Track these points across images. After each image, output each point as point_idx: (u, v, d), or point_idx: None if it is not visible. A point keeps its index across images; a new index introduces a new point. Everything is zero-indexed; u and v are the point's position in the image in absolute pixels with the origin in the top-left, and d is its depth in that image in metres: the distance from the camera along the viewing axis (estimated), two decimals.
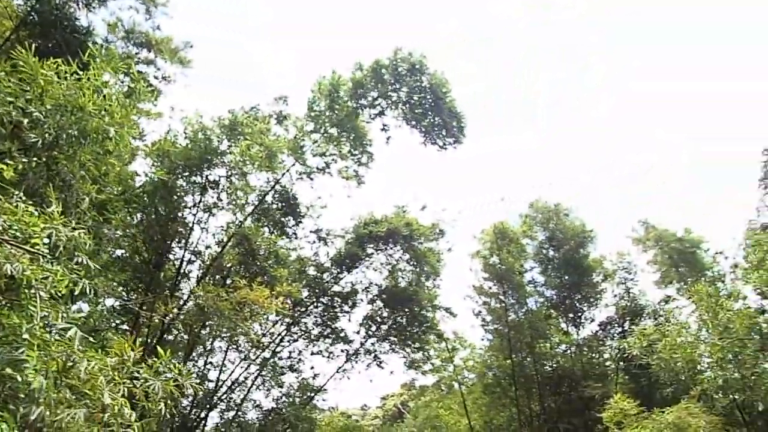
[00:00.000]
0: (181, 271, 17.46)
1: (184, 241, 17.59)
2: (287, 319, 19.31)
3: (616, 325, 26.21)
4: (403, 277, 21.03)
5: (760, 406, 19.03)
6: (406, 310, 21.15)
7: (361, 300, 21.23)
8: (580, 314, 26.77)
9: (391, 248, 20.60)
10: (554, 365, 25.70)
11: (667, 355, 19.10)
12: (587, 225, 26.77)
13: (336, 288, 20.42)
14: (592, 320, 26.97)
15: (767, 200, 15.47)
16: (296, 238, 19.84)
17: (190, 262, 17.87)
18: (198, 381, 16.26)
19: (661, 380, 22.68)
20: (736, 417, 20.50)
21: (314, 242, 20.22)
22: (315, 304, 20.26)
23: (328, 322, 20.45)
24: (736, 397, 20.16)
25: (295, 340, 20.48)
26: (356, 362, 20.87)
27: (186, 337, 17.53)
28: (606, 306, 26.85)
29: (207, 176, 16.92)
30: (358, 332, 20.95)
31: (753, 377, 19.55)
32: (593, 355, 26.50)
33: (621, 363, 25.58)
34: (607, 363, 26.69)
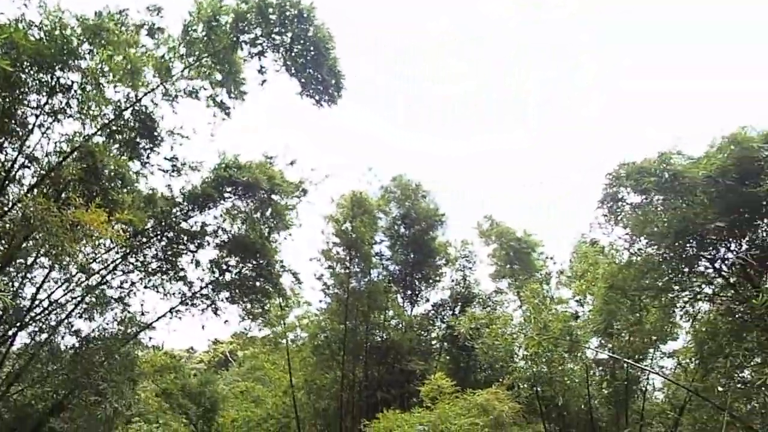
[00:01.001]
0: (11, 174, 15.49)
1: (19, 142, 15.60)
2: (124, 248, 17.92)
3: (448, 308, 27.69)
4: (255, 229, 20.34)
5: (560, 401, 21.12)
6: (253, 262, 20.54)
7: (209, 243, 20.24)
8: (417, 292, 27.96)
9: (249, 197, 19.79)
10: (385, 337, 26.59)
11: (491, 341, 20.39)
12: (440, 209, 27.85)
13: (184, 225, 19.22)
14: (428, 300, 28.29)
15: (600, 219, 16.85)
16: (149, 164, 18.33)
17: (23, 166, 15.88)
18: (10, 296, 14.66)
19: (480, 364, 24.43)
20: (536, 407, 22.55)
21: (169, 172, 18.81)
22: (159, 237, 18.96)
23: (170, 259, 19.25)
24: (539, 389, 22.23)
25: (131, 271, 19.08)
26: (192, 305, 19.92)
27: (4, 246, 15.64)
28: (442, 289, 28.28)
29: (58, 78, 15.05)
30: (200, 278, 19.97)
31: (557, 374, 21.67)
32: (422, 332, 27.79)
33: (446, 343, 27.11)
34: (433, 342, 28.18)
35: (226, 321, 20.82)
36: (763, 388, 12.57)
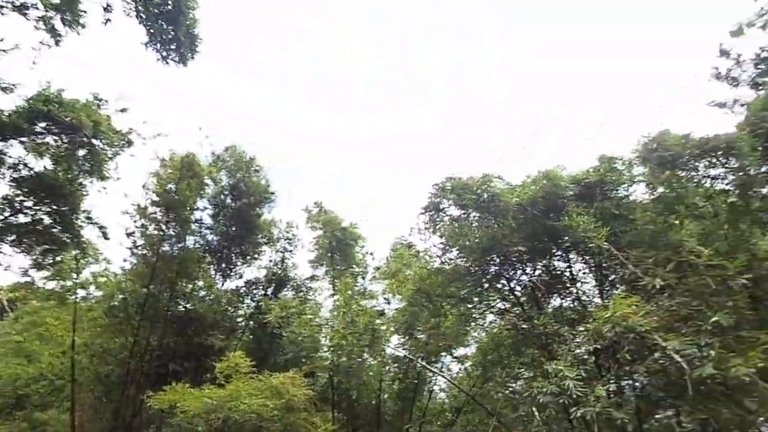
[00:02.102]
0: None
1: None
2: None
3: (261, 287, 27.39)
4: (64, 171, 18.59)
5: (354, 393, 21.85)
6: (54, 207, 18.75)
7: (3, 176, 18.14)
8: (232, 267, 27.30)
9: (66, 136, 18.05)
10: (189, 307, 25.59)
11: (298, 330, 20.51)
12: (272, 187, 27.47)
13: None
14: (241, 276, 27.75)
15: (421, 225, 17.77)
16: None
17: None
18: None
19: (284, 348, 24.48)
20: (329, 395, 23.12)
21: None
22: None
23: None
24: (336, 379, 22.84)
25: None
26: None
27: None
28: (259, 267, 27.90)
29: None
30: None
31: (355, 366, 22.39)
32: (230, 308, 27.17)
33: (252, 322, 26.81)
34: (240, 319, 27.70)
35: (7, 267, 18.82)
36: (529, 399, 14.02)
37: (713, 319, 13.16)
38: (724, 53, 17.17)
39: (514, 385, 17.35)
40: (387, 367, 23.68)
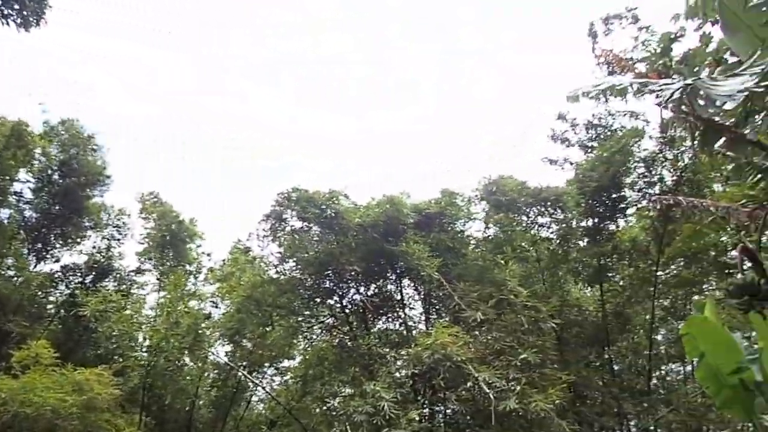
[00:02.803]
0: None
1: None
2: None
3: (79, 274, 25.20)
4: None
5: (168, 398, 20.67)
6: None
7: None
8: (49, 249, 24.88)
9: None
10: None
11: (115, 325, 19.14)
12: (108, 170, 25.50)
13: None
14: (58, 260, 25.34)
15: (261, 231, 17.43)
16: None
17: None
18: None
19: (97, 342, 22.60)
20: (139, 396, 21.67)
21: None
22: None
23: None
24: (150, 380, 21.47)
25: None
26: None
27: None
28: (80, 252, 25.68)
29: None
30: None
31: (172, 369, 21.26)
32: (40, 293, 24.72)
33: (63, 311, 24.55)
34: (50, 306, 25.27)
35: None
36: (344, 417, 14.11)
37: (522, 356, 14.12)
38: (561, 117, 18.82)
39: (332, 401, 17.37)
40: (207, 373, 22.73)
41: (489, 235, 18.48)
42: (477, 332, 15.56)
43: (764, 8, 6.68)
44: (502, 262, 16.18)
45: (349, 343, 16.72)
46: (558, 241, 18.62)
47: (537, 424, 14.13)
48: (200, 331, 19.36)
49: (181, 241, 25.31)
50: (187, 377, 22.02)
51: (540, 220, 18.52)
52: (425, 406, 15.61)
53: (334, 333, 17.66)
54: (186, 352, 20.26)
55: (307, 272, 16.80)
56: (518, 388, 13.69)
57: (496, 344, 14.89)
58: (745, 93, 5.23)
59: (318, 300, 17.67)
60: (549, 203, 17.78)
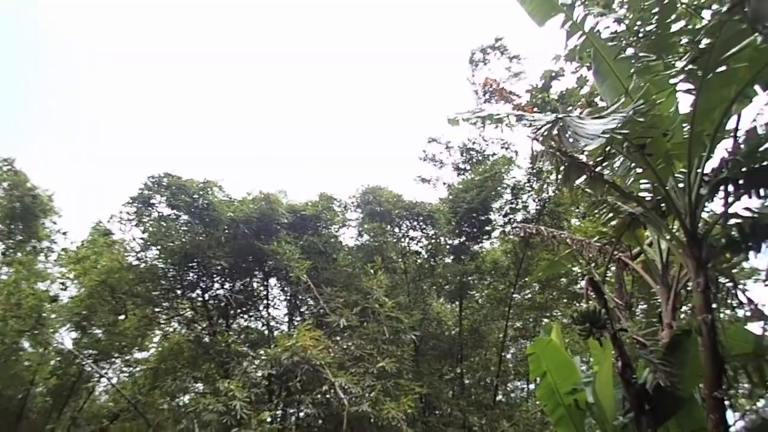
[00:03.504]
0: None
1: None
2: None
3: None
4: None
5: None
6: None
7: None
8: None
9: None
10: None
11: None
12: None
13: None
14: None
15: (125, 214, 16.45)
16: None
17: None
18: None
19: None
20: None
21: None
22: None
23: None
24: None
25: None
26: None
27: None
28: None
29: None
30: None
31: (8, 353, 19.44)
32: None
33: None
34: None
35: None
36: (193, 414, 13.61)
37: (380, 364, 14.34)
38: (433, 140, 19.59)
39: (182, 397, 16.68)
40: (48, 360, 20.99)
41: (361, 243, 18.68)
42: (339, 338, 15.62)
43: (632, 61, 7.33)
44: (371, 271, 16.37)
45: (207, 339, 16.16)
46: (426, 256, 19.19)
47: (388, 431, 14.42)
48: (44, 314, 17.92)
49: (33, 215, 23.26)
50: (25, 362, 20.25)
51: (411, 233, 19.02)
52: (279, 407, 15.43)
53: (193, 327, 16.98)
54: (26, 335, 18.67)
55: (171, 262, 16.05)
56: (373, 395, 13.89)
57: (356, 351, 15.03)
58: (606, 135, 5.68)
59: (179, 292, 16.92)
60: (421, 218, 18.29)
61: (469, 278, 19.01)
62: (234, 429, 12.71)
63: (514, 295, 19.00)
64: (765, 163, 6.45)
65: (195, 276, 16.45)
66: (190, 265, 16.05)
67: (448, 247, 18.92)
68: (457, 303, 19.33)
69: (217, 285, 16.81)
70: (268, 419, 14.56)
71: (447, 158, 19.90)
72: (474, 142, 19.63)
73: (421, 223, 18.55)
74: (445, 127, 20.73)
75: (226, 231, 15.76)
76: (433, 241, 18.88)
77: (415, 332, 16.04)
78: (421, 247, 19.30)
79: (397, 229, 18.86)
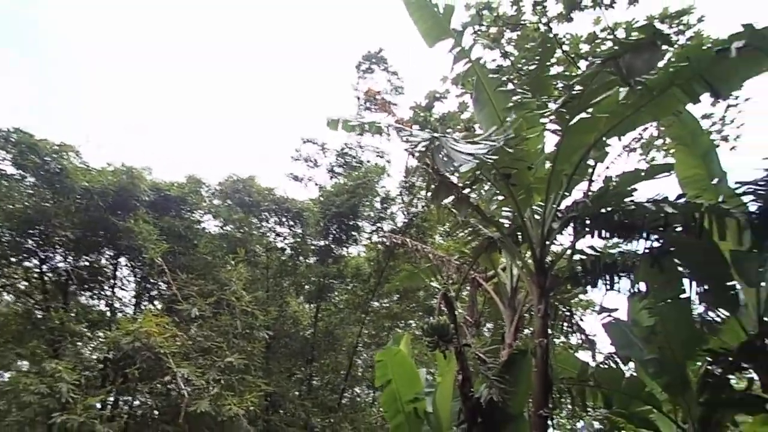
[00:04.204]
0: None
1: None
2: None
3: None
4: None
5: None
6: None
7: None
8: None
9: None
10: None
11: None
12: None
13: None
14: None
15: None
16: None
17: None
18: None
19: None
20: None
21: None
22: None
23: None
24: None
25: None
26: None
27: None
28: None
29: None
30: None
31: None
32: None
33: None
34: None
35: None
36: (11, 394, 12.49)
37: (229, 358, 13.98)
38: (308, 141, 19.66)
39: (1, 375, 15.25)
40: None
41: (225, 232, 18.15)
42: (189, 327, 15.02)
43: (510, 95, 7.76)
44: (232, 262, 15.95)
45: (39, 314, 14.88)
46: (290, 254, 19.03)
47: (227, 427, 14.09)
48: None
49: None
50: None
51: (278, 229, 18.79)
52: (111, 394, 14.56)
53: (24, 300, 15.55)
54: None
55: (7, 226, 14.57)
56: (216, 389, 13.52)
57: (205, 342, 14.54)
58: (477, 161, 5.97)
59: (13, 260, 15.41)
60: (290, 215, 18.13)
61: (331, 281, 19.10)
62: (56, 413, 11.84)
63: (373, 303, 19.35)
64: (609, 209, 7.07)
65: (34, 244, 15.06)
66: (30, 231, 14.67)
67: (313, 247, 18.89)
68: (315, 304, 19.34)
69: (59, 257, 15.51)
70: (98, 405, 13.71)
71: (322, 159, 19.95)
72: (351, 148, 19.83)
73: (289, 221, 18.38)
74: (324, 128, 20.72)
75: (78, 201, 14.63)
76: (299, 240, 18.77)
77: (268, 330, 15.82)
78: (286, 244, 19.12)
79: (264, 223, 18.55)
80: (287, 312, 19.08)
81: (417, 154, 6.98)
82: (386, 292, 19.22)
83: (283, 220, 18.34)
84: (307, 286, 19.62)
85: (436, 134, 6.12)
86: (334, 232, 18.42)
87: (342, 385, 19.08)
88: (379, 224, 18.97)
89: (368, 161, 19.83)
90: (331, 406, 18.30)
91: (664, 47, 6.06)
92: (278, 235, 18.95)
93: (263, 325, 15.49)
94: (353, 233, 18.74)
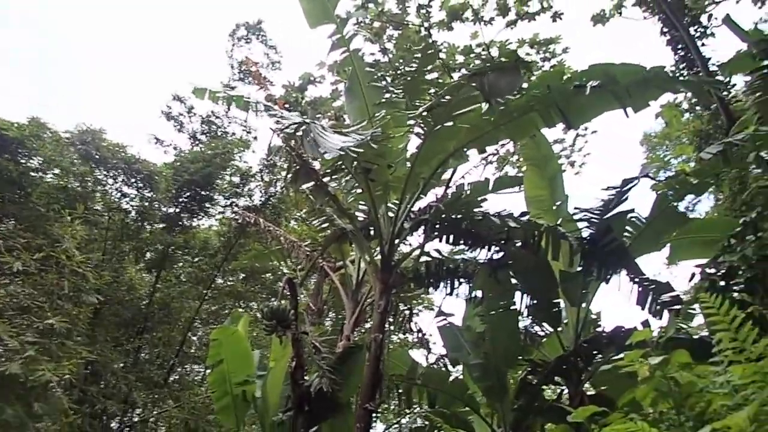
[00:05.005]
0: None
1: None
2: None
3: None
4: None
5: None
6: None
7: None
8: None
9: None
10: None
11: None
12: None
13: None
14: None
15: None
16: None
17: None
18: None
19: None
20: None
21: None
22: None
23: None
24: None
25: None
26: None
27: None
28: None
29: None
30: None
31: None
32: None
33: None
34: None
35: None
36: None
37: (50, 321, 12.89)
38: (178, 99, 18.69)
39: None
40: None
41: (66, 185, 16.65)
42: (9, 282, 13.63)
43: (383, 91, 7.85)
44: (69, 218, 14.66)
45: None
46: (135, 217, 17.91)
47: (36, 394, 12.99)
48: None
49: None
50: None
51: (126, 189, 17.58)
52: None
53: None
54: None
55: None
56: (31, 352, 12.40)
57: (25, 301, 13.25)
58: (341, 152, 5.96)
59: None
60: (141, 176, 17.03)
61: (176, 251, 18.23)
62: None
63: (217, 279, 18.74)
64: (459, 216, 7.38)
65: None
66: None
67: (161, 213, 17.91)
68: (155, 274, 18.37)
69: None
70: None
71: (188, 124, 19.01)
72: (217, 117, 19.08)
73: (138, 182, 17.25)
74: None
75: None
76: (146, 204, 17.68)
77: (99, 294, 14.77)
78: (132, 206, 17.93)
79: (110, 181, 17.29)
80: (123, 278, 17.91)
81: (283, 135, 6.84)
82: (232, 270, 18.72)
83: (132, 180, 17.17)
84: (148, 254, 18.58)
85: (306, 119, 6.04)
86: (185, 200, 17.59)
87: (172, 361, 18.31)
88: (234, 199, 18.40)
89: (233, 134, 19.19)
90: (157, 382, 17.48)
91: (526, 73, 6.43)
92: (124, 195, 17.71)
93: (94, 288, 14.42)
94: (206, 204, 18.01)
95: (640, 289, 7.37)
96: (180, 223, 17.85)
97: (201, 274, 18.56)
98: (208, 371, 9.12)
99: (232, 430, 8.85)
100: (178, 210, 17.77)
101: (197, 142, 18.97)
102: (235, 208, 17.64)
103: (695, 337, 6.30)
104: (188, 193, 17.35)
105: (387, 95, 7.42)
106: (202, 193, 17.45)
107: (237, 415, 8.40)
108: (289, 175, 7.31)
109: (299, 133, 5.87)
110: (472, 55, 11.91)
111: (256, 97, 7.45)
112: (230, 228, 17.93)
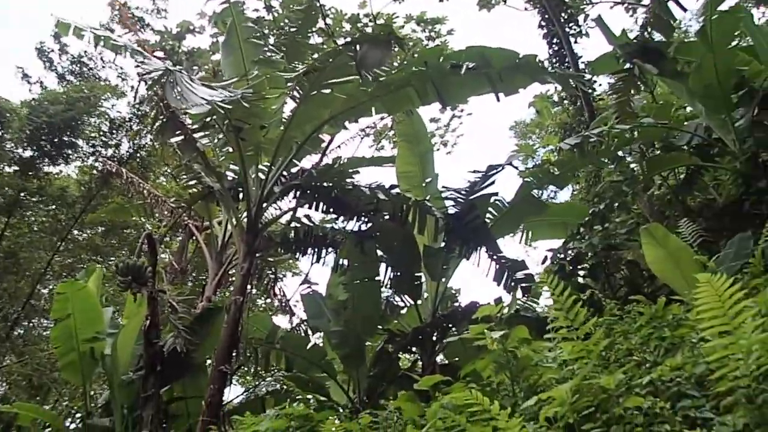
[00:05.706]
0: None
1: None
2: None
3: None
4: None
5: None
6: None
7: None
8: None
9: None
10: None
11: None
12: None
13: None
14: None
15: None
16: None
17: None
18: None
19: None
20: None
21: None
22: None
23: None
24: None
25: None
26: None
27: None
28: None
29: None
30: None
31: None
32: None
33: None
34: None
35: None
36: None
37: None
38: (56, 36, 17.13)
39: None
40: None
41: None
42: None
43: (263, 49, 7.61)
44: None
45: None
46: None
47: None
48: None
49: None
50: None
51: None
52: None
53: None
54: None
55: None
56: None
57: None
58: (209, 107, 5.74)
59: None
60: None
61: (29, 198, 16.76)
62: None
63: (74, 231, 17.50)
64: (330, 184, 7.38)
65: None
66: None
67: (13, 155, 16.35)
68: (4, 220, 16.82)
69: None
70: None
71: (57, 62, 17.36)
72: (90, 59, 17.60)
73: None
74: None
75: None
76: None
77: None
78: None
79: None
80: None
81: (149, 83, 6.47)
82: (91, 223, 17.56)
83: None
84: None
85: (171, 67, 5.72)
86: (43, 143, 16.15)
87: (17, 314, 16.98)
88: (101, 148, 17.15)
89: (107, 79, 17.78)
90: None
91: (399, 50, 6.50)
92: None
93: None
94: (67, 150, 16.63)
95: (497, 266, 7.77)
96: (35, 167, 16.42)
97: (56, 224, 17.28)
98: (52, 326, 8.56)
99: (78, 386, 8.40)
100: (34, 153, 16.32)
101: (67, 83, 17.42)
102: (100, 157, 16.48)
103: (537, 315, 6.75)
104: (47, 137, 15.95)
105: (266, 53, 7.22)
106: (63, 138, 16.11)
107: (83, 373, 7.98)
108: (156, 126, 6.94)
109: (165, 83, 5.56)
110: (359, 24, 11.85)
111: (126, 40, 6.97)
112: (92, 178, 16.75)
